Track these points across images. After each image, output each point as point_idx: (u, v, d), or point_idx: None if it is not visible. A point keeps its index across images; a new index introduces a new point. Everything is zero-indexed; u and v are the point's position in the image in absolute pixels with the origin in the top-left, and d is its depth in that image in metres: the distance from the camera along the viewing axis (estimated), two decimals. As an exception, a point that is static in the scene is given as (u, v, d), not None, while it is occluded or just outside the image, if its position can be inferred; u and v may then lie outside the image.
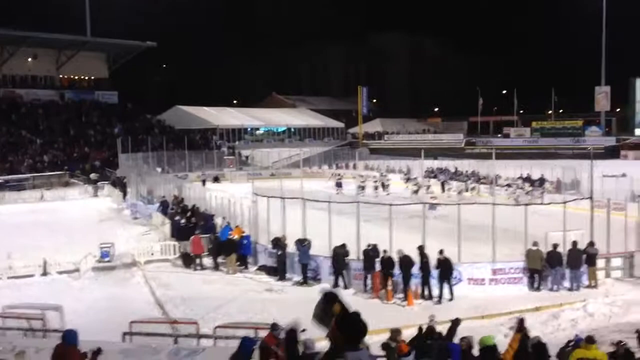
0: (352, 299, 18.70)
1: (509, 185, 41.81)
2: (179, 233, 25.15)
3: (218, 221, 26.31)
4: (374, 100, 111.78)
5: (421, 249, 18.60)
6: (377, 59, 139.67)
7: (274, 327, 10.63)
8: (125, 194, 41.67)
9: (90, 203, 43.07)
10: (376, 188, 45.08)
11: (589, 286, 19.29)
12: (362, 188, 43.95)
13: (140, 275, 22.24)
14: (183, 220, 25.94)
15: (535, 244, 19.41)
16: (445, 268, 18.45)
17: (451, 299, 18.18)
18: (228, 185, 52.07)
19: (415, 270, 18.72)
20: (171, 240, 25.59)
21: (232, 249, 22.72)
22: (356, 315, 7.67)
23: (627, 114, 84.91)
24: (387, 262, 18.67)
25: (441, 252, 18.61)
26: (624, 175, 39.70)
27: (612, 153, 70.44)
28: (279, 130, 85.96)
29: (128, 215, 36.63)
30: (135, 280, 21.77)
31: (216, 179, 56.02)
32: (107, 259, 23.94)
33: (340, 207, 22.92)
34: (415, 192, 42.03)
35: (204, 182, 49.52)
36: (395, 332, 10.63)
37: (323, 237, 20.64)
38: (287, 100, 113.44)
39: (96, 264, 23.43)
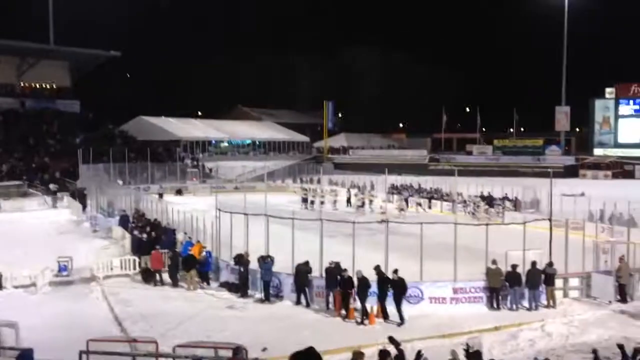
0: (314, 316, 18.73)
1: (465, 202, 42.35)
2: (139, 248, 24.78)
3: (179, 236, 26.04)
4: (340, 115, 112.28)
5: (378, 268, 18.58)
6: (343, 74, 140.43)
7: (236, 351, 10.48)
8: (85, 206, 40.99)
9: (49, 215, 42.19)
10: (322, 203, 44.73)
11: (547, 306, 19.57)
12: (312, 202, 44.47)
13: (99, 290, 21.83)
14: (144, 235, 25.57)
15: (494, 262, 19.64)
16: (399, 288, 18.40)
17: (401, 323, 18.02)
18: (191, 198, 51.69)
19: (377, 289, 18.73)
20: (131, 254, 25.18)
21: (192, 265, 22.52)
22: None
23: (586, 134, 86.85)
24: (347, 282, 18.61)
25: (395, 271, 18.61)
26: (582, 194, 40.52)
27: (571, 172, 71.94)
28: (244, 143, 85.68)
29: (87, 228, 36.02)
30: (93, 296, 21.36)
31: (179, 192, 55.53)
32: (65, 273, 23.48)
33: (304, 222, 22.94)
34: (361, 206, 42.49)
35: (161, 195, 48.88)
36: (358, 355, 10.55)
37: (286, 253, 20.58)
38: (253, 113, 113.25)
39: (54, 278, 22.91)
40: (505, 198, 42.70)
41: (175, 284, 22.46)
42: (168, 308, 19.46)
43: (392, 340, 12.28)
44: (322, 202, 44.55)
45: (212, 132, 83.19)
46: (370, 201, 44.14)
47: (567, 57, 78.28)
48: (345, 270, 18.89)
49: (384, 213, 37.07)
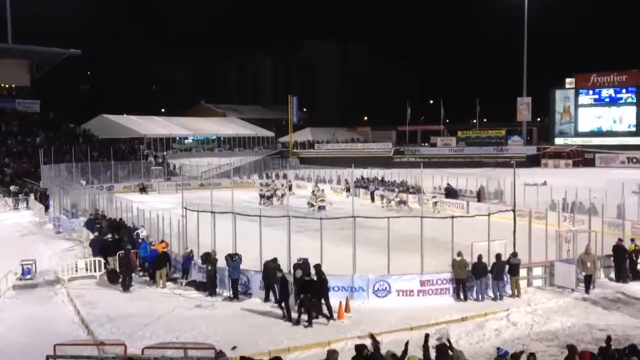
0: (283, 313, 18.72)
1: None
2: (104, 248, 24.41)
3: (139, 232, 25.83)
4: (304, 110, 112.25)
5: (317, 267, 18.59)
6: (306, 68, 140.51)
7: (219, 355, 10.45)
8: (47, 207, 40.31)
9: (11, 217, 41.46)
10: (281, 197, 44.00)
11: (512, 295, 19.89)
12: (268, 198, 44.41)
13: (64, 293, 21.48)
14: (109, 236, 25.27)
15: (459, 254, 19.90)
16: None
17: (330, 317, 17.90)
18: (156, 196, 51.22)
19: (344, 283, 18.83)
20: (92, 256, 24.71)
21: (164, 263, 22.40)
22: None
23: (548, 124, 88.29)
24: (311, 287, 18.47)
25: (316, 266, 18.67)
26: (544, 183, 41.23)
27: (533, 161, 73.08)
28: (209, 139, 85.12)
29: (51, 230, 35.39)
30: (58, 299, 21.02)
31: (143, 190, 54.91)
32: (28, 277, 23.12)
33: (271, 218, 22.95)
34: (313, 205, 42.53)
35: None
36: (331, 353, 10.65)
37: (254, 251, 20.55)
38: (217, 109, 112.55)
39: (17, 282, 22.55)
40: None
41: (113, 281, 22.33)
42: (135, 309, 19.27)
43: (372, 336, 12.90)
44: (280, 197, 44.23)
45: (176, 129, 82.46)
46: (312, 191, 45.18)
47: (527, 48, 79.43)
48: (308, 274, 18.78)
49: (323, 200, 40.35)
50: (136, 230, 26.50)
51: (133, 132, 75.74)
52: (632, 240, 23.02)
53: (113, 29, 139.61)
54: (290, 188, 48.10)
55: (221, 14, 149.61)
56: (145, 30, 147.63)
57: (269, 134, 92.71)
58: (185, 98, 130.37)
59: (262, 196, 44.65)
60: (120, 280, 22.10)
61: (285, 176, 60.77)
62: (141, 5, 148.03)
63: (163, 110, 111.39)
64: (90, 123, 77.40)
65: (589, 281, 20.37)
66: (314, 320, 17.57)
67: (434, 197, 42.16)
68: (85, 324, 18.01)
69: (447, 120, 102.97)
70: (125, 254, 22.27)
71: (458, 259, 19.80)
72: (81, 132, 72.20)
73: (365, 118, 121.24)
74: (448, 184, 45.32)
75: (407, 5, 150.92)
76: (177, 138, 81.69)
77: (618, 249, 21.83)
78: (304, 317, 17.50)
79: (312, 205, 40.63)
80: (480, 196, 41.78)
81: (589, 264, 20.34)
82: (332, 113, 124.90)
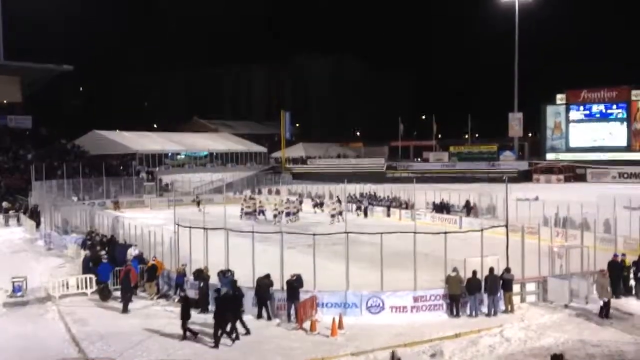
0: (276, 330, 18.65)
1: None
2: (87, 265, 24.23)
3: (130, 251, 25.66)
4: (297, 125, 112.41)
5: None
6: (299, 84, 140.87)
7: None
8: (38, 224, 40.07)
9: (2, 233, 41.11)
10: (261, 212, 45.30)
11: (505, 311, 19.86)
12: (247, 214, 44.63)
13: (55, 310, 21.30)
14: (104, 252, 25.17)
15: (455, 270, 19.87)
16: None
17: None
18: (148, 212, 51.02)
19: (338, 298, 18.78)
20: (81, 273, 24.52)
21: (154, 277, 22.28)
22: None
23: (539, 139, 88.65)
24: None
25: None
26: (536, 198, 41.33)
27: (525, 177, 73.39)
28: (201, 155, 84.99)
29: (42, 246, 35.18)
30: (49, 316, 20.82)
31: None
32: (19, 294, 22.89)
33: (263, 233, 22.92)
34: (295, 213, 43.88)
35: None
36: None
37: (246, 267, 20.46)
38: (209, 124, 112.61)
39: (7, 299, 22.35)
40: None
41: (104, 298, 22.28)
42: (126, 326, 19.12)
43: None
44: (260, 212, 44.86)
45: (169, 144, 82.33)
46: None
47: (518, 64, 79.99)
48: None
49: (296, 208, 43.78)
50: (130, 246, 26.35)
51: (125, 147, 75.52)
52: (624, 255, 23.01)
53: (105, 44, 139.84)
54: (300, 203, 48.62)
55: (214, 29, 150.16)
56: (137, 46, 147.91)
57: (262, 149, 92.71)
58: (178, 113, 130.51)
59: (243, 212, 44.85)
60: (110, 296, 22.00)
61: (289, 192, 60.51)
62: (134, 20, 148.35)
63: (155, 125, 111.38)
64: (82, 139, 77.13)
65: (608, 307, 19.32)
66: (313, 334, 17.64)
67: (334, 208, 43.36)
68: (76, 341, 17.85)
69: (440, 136, 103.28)
70: (125, 275, 22.09)
71: (453, 274, 19.77)
72: (73, 148, 71.94)
73: (358, 133, 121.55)
74: (441, 199, 45.34)
75: (400, 21, 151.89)
76: (170, 154, 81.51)
77: (613, 264, 21.77)
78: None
79: (280, 213, 42.66)
80: (468, 210, 41.65)
81: (609, 288, 19.41)
82: (325, 128, 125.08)
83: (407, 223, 38.56)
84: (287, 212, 43.41)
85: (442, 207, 43.19)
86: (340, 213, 41.97)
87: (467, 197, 43.21)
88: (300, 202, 48.73)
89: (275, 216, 42.41)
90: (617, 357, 15.00)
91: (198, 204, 51.32)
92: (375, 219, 44.74)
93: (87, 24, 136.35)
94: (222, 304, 17.87)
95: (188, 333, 17.77)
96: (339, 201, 45.61)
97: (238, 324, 17.83)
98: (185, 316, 17.99)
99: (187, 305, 18.19)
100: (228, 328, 17.43)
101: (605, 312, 19.28)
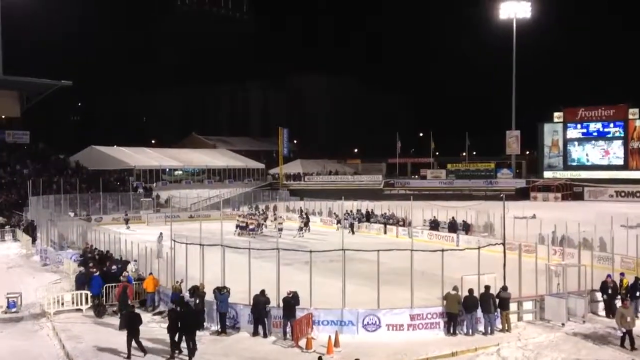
0: (272, 347, 18.53)
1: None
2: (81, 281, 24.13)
3: (129, 267, 25.57)
4: (295, 141, 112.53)
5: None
6: (297, 100, 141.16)
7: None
8: (34, 239, 39.92)
9: (-3, 248, 41.05)
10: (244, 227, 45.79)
11: (502, 330, 19.77)
12: (242, 228, 45.34)
13: (50, 326, 21.17)
14: (104, 269, 25.09)
15: (455, 288, 19.80)
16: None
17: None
18: (144, 228, 50.84)
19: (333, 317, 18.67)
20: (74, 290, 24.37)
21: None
22: None
23: (536, 157, 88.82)
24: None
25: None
26: (533, 216, 41.33)
27: (522, 194, 73.36)
28: (198, 170, 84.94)
29: (37, 262, 35.01)
30: (44, 332, 20.69)
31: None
32: (14, 310, 22.82)
33: (260, 250, 22.83)
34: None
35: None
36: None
37: (242, 283, 20.36)
38: (207, 140, 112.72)
39: (2, 315, 22.30)
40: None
41: (99, 315, 22.23)
42: (122, 343, 18.92)
43: None
44: (253, 229, 45.14)
45: (166, 160, 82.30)
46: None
47: (516, 82, 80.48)
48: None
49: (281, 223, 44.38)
50: (127, 262, 26.25)
51: (123, 163, 75.49)
52: (622, 274, 22.95)
53: (104, 60, 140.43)
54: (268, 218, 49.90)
55: (211, 47, 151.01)
56: (136, 62, 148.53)
57: (259, 165, 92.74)
58: (176, 129, 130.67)
59: (238, 226, 45.54)
60: (106, 312, 21.88)
61: (275, 208, 60.47)
62: (132, 37, 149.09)
63: (153, 141, 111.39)
64: (79, 154, 77.16)
65: (632, 336, 18.41)
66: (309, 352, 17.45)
67: (280, 223, 44.19)
68: (70, 358, 17.73)
69: (437, 153, 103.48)
70: (123, 291, 21.96)
71: (453, 293, 19.68)
72: (70, 164, 71.87)
73: (356, 150, 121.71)
74: (434, 217, 45.21)
75: (398, 39, 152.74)
76: (167, 169, 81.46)
77: (604, 286, 21.66)
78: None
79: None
80: (454, 227, 41.42)
81: (629, 318, 18.52)
82: (323, 145, 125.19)
83: (404, 240, 38.50)
84: (250, 226, 45.04)
85: (436, 225, 43.00)
86: (307, 224, 46.42)
87: (464, 216, 43.12)
88: (266, 218, 50.07)
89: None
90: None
91: (127, 222, 52.52)
92: (372, 234, 44.67)
93: (87, 40, 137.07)
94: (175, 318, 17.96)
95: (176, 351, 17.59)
96: (306, 215, 49.25)
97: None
98: (173, 329, 17.82)
99: (176, 319, 18.02)
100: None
101: (630, 343, 18.29)
